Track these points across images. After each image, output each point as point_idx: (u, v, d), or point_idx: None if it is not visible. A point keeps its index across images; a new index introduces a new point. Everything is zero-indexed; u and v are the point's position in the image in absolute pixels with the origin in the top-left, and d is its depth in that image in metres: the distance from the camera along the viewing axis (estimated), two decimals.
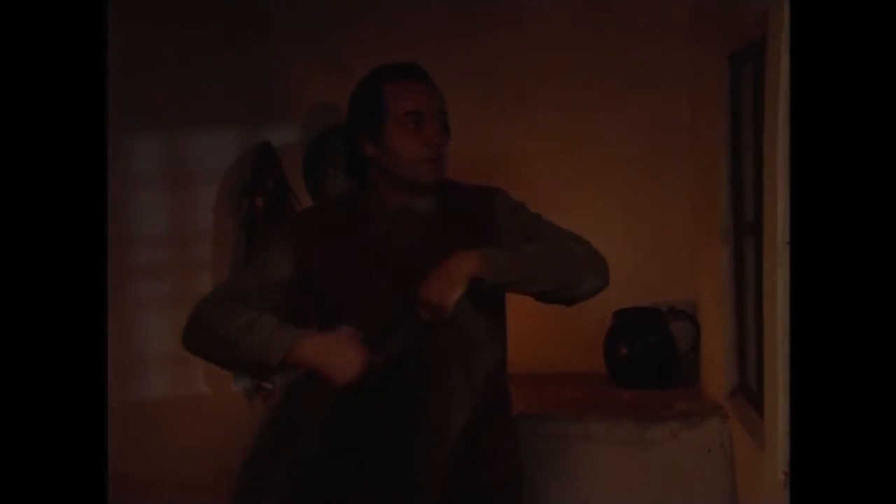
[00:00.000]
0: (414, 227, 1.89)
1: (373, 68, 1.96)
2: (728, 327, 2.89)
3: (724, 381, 2.90)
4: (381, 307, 1.82)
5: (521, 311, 3.55)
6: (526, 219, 1.95)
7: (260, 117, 3.64)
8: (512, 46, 3.53)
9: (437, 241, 1.84)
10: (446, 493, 1.70)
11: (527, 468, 2.85)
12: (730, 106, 2.86)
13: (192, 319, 1.93)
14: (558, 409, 2.98)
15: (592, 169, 3.54)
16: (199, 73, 3.56)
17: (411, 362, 1.75)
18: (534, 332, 3.55)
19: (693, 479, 2.82)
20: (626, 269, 3.48)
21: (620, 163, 3.52)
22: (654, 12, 3.46)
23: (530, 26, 3.52)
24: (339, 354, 1.76)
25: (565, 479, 2.85)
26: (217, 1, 3.62)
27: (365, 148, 1.89)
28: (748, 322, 2.76)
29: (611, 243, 3.47)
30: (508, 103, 3.55)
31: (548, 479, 2.85)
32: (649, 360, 3.28)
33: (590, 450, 2.84)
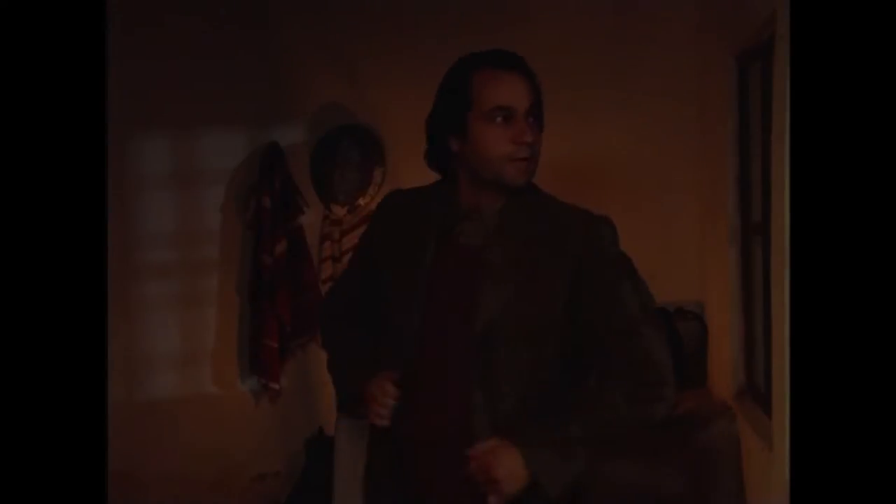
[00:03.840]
0: (481, 229, 1.71)
1: (469, 53, 1.75)
2: (736, 327, 2.88)
3: (732, 382, 2.89)
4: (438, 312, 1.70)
5: None
6: (611, 284, 1.72)
7: (267, 118, 3.65)
8: (518, 46, 3.52)
9: (497, 250, 1.69)
10: None
11: None
12: (738, 106, 2.85)
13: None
14: None
15: (599, 168, 3.53)
16: (207, 74, 3.57)
17: None
18: None
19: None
20: None
21: (628, 162, 3.52)
22: (662, 12, 3.45)
23: (537, 25, 3.52)
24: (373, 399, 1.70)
25: None
26: (224, 1, 3.63)
27: (449, 141, 1.71)
28: (756, 322, 2.75)
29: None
30: None
31: None
32: None
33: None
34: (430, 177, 3.73)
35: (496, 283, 1.66)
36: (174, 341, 3.65)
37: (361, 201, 3.55)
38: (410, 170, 3.76)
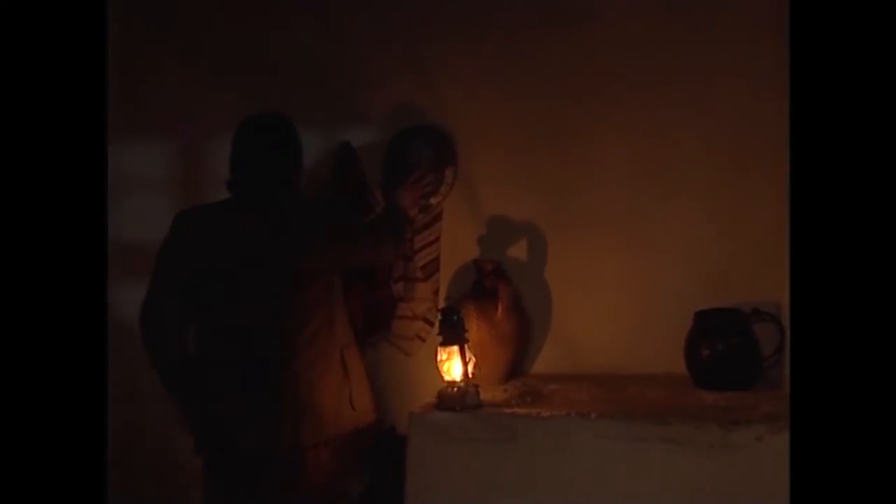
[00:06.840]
0: None
1: None
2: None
3: None
4: None
5: (602, 312, 3.53)
6: None
7: (341, 118, 3.68)
8: (589, 41, 3.49)
9: None
10: None
11: (606, 470, 2.83)
12: None
13: None
14: (639, 410, 2.94)
15: (675, 165, 3.48)
16: (280, 75, 3.62)
17: None
18: (614, 332, 3.52)
19: (778, 484, 2.76)
20: (708, 269, 3.42)
21: (705, 158, 3.46)
22: (741, 8, 3.38)
23: (607, 23, 3.48)
24: None
25: (646, 482, 2.81)
26: (301, 4, 3.68)
27: None
28: None
29: (693, 242, 3.44)
30: (587, 98, 3.52)
31: (628, 481, 2.81)
32: (731, 361, 3.21)
33: (671, 452, 2.79)
34: (502, 177, 3.71)
35: None
36: None
37: (433, 200, 3.56)
38: (481, 168, 3.76)
